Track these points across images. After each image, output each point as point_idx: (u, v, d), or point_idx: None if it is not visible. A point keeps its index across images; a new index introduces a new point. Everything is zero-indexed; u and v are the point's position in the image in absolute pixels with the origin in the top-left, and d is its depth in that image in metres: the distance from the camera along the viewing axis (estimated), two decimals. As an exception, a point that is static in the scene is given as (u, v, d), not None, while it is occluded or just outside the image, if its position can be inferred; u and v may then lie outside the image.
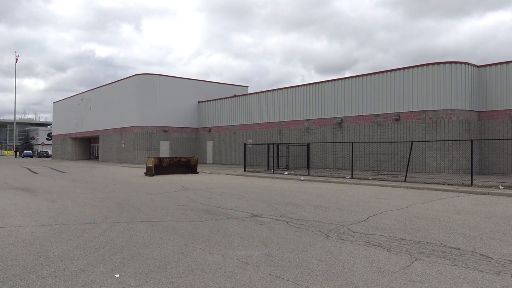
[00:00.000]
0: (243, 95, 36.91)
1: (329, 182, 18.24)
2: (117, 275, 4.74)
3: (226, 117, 37.31)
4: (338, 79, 27.51)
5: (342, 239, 6.95)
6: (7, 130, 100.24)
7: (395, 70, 24.25)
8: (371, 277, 4.87)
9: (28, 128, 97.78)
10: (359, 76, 26.20)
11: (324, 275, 4.93)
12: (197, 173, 24.48)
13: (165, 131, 38.54)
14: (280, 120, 31.52)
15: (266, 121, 32.88)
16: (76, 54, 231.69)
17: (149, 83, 38.39)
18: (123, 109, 40.47)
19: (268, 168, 25.76)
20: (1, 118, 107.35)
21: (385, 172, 22.78)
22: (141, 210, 10.09)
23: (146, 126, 38.17)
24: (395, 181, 17.34)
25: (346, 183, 17.65)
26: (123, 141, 40.42)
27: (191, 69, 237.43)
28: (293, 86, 30.92)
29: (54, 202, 11.59)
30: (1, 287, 4.28)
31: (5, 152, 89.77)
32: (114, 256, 5.63)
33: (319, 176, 20.35)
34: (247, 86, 45.15)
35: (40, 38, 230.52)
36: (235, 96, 37.32)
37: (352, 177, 19.03)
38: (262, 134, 32.93)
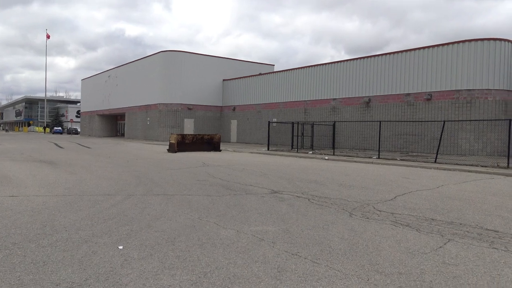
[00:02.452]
0: (269, 73, 36.20)
1: (355, 161, 17.60)
2: (120, 247, 4.42)
3: (251, 96, 36.78)
4: (367, 57, 26.45)
5: (367, 218, 6.45)
6: (38, 107, 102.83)
7: (427, 47, 23.04)
8: (398, 258, 4.39)
9: (59, 105, 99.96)
10: (389, 53, 25.09)
11: (346, 254, 4.47)
12: (220, 150, 24.22)
13: (189, 109, 38.39)
14: (306, 99, 30.77)
15: (291, 100, 32.19)
16: (106, 33, 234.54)
17: (174, 60, 38.14)
18: (149, 86, 40.50)
19: (292, 147, 25.24)
20: (33, 95, 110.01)
21: (414, 154, 21.89)
22: (158, 183, 9.83)
23: (171, 104, 38.09)
24: (424, 162, 16.55)
25: (372, 163, 16.98)
26: (148, 119, 40.57)
27: (219, 49, 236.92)
28: (320, 64, 30.01)
29: (73, 174, 11.48)
30: (-4, 255, 4.03)
31: (36, 128, 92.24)
32: (122, 227, 5.33)
33: (344, 156, 19.71)
34: (273, 65, 44.39)
35: (72, 17, 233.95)
36: (260, 74, 36.64)
37: (379, 157, 18.32)
38: (287, 113, 32.30)
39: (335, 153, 21.02)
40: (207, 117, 39.49)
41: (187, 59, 38.42)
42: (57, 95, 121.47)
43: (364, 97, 26.10)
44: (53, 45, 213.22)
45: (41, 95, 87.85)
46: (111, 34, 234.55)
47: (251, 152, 23.63)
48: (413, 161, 17.03)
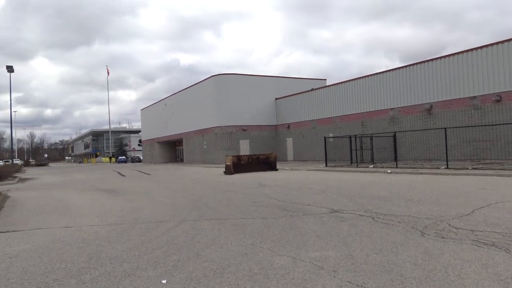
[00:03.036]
0: (321, 87, 35.53)
1: (420, 173, 16.39)
2: (164, 281, 4.03)
3: (305, 112, 36.21)
4: (425, 61, 25.08)
5: (442, 237, 5.64)
6: (103, 138, 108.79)
7: (492, 44, 21.36)
8: (488, 287, 3.62)
9: (122, 135, 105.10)
10: (449, 55, 23.59)
11: (422, 284, 3.77)
12: (277, 170, 23.75)
13: (244, 130, 38.49)
14: (362, 111, 29.68)
15: (346, 113, 31.22)
16: (162, 64, 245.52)
17: (225, 83, 38.65)
18: (203, 111, 41.24)
19: (351, 162, 24.22)
20: (98, 128, 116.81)
21: (487, 161, 20.11)
22: (212, 207, 9.51)
23: (225, 126, 38.43)
24: (501, 169, 15.02)
25: (440, 173, 15.70)
26: (205, 142, 41.17)
27: (271, 69, 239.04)
28: (374, 74, 28.94)
29: (131, 201, 11.50)
30: (33, 295, 3.80)
31: (103, 158, 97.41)
32: (169, 258, 4.97)
33: (408, 168, 18.48)
34: (325, 79, 43.65)
35: (130, 52, 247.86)
36: (312, 89, 36.05)
37: (447, 168, 16.93)
38: (343, 127, 31.32)
39: (398, 165, 19.80)
40: (262, 137, 39.34)
41: (237, 81, 38.78)
42: (121, 126, 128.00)
43: (424, 104, 24.64)
44: (114, 79, 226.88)
45: (106, 127, 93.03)
46: (167, 65, 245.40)
47: (308, 170, 22.94)
48: (487, 169, 15.53)
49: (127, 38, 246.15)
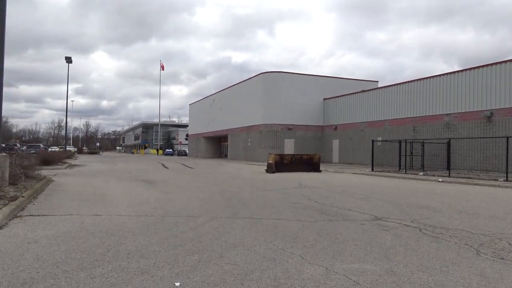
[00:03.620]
0: (372, 89, 34.23)
1: (476, 184, 15.14)
2: (177, 284, 3.64)
3: (354, 114, 35.06)
4: (486, 65, 23.35)
5: (502, 258, 4.89)
6: (153, 131, 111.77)
7: None
8: None
9: (170, 129, 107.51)
10: (515, 60, 21.80)
11: (479, 316, 3.13)
12: (320, 171, 23.02)
13: (289, 129, 37.89)
14: (414, 116, 28.20)
15: (397, 117, 29.82)
16: (214, 62, 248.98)
17: (274, 81, 38.20)
18: (250, 108, 41.06)
19: (400, 168, 23.01)
20: (149, 121, 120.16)
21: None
22: (247, 205, 9.10)
23: (271, 124, 38.01)
24: None
25: (499, 186, 14.41)
26: (249, 140, 40.98)
27: (322, 70, 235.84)
28: (430, 77, 27.38)
29: (166, 193, 11.34)
30: (35, 285, 3.51)
31: (151, 150, 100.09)
32: (190, 257, 4.59)
33: (462, 178, 17.19)
34: (377, 81, 42.03)
35: (185, 48, 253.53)
36: (363, 91, 34.81)
37: (507, 180, 15.55)
38: (393, 131, 29.96)
39: (450, 174, 18.49)
40: (308, 137, 38.55)
41: (287, 79, 38.20)
42: (170, 120, 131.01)
43: (484, 110, 22.94)
44: (168, 75, 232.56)
45: (156, 120, 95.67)
46: (219, 62, 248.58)
47: (353, 173, 22.04)
48: (553, 184, 14.08)
49: (182, 35, 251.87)
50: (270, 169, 21.56)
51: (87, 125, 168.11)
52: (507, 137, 16.69)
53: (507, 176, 15.88)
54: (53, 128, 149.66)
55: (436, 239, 5.89)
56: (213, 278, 3.86)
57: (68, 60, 46.18)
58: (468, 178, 17.20)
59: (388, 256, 4.87)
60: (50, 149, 54.17)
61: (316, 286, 3.70)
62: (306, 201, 9.96)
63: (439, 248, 5.33)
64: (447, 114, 25.53)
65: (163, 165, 31.47)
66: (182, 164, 33.06)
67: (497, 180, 15.88)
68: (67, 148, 59.90)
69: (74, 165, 28.34)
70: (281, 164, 22.22)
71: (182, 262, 4.37)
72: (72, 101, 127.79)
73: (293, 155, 23.86)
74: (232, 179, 16.99)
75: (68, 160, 33.53)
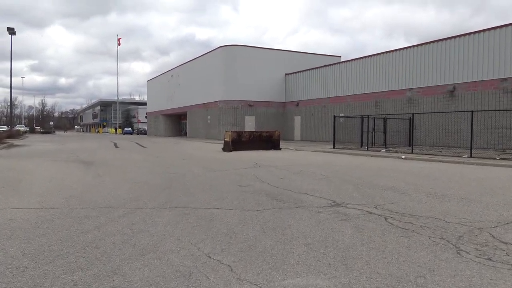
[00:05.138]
0: (335, 63, 33.21)
1: (440, 161, 14.42)
2: None
3: (316, 90, 34.04)
4: (449, 38, 22.68)
5: (489, 259, 3.82)
6: (112, 109, 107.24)
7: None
8: None
9: (130, 107, 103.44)
10: (477, 32, 21.17)
11: None
12: (280, 149, 21.90)
13: (250, 105, 36.49)
14: (377, 91, 27.46)
15: (360, 93, 29.02)
16: (178, 38, 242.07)
17: (234, 55, 36.46)
18: (209, 84, 39.25)
19: (362, 145, 22.24)
20: (107, 98, 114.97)
21: (513, 151, 18.00)
22: (188, 190, 7.75)
23: (231, 101, 36.46)
24: (535, 161, 12.99)
25: (464, 163, 13.71)
26: (209, 117, 39.34)
27: (287, 47, 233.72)
28: (392, 51, 26.58)
29: (99, 177, 9.81)
30: None
31: (110, 129, 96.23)
32: (66, 276, 3.21)
33: (425, 155, 16.49)
34: (340, 56, 41.08)
35: (147, 24, 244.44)
36: (325, 66, 33.74)
37: (471, 156, 14.92)
38: (355, 107, 29.18)
39: (413, 151, 17.79)
40: (269, 114, 37.33)
41: (247, 53, 36.55)
42: (131, 97, 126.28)
43: (447, 85, 22.37)
44: (130, 51, 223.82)
45: (116, 98, 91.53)
46: (183, 39, 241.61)
47: (314, 151, 21.06)
48: (518, 160, 13.51)
49: (144, 9, 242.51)
50: (227, 148, 20.22)
51: (43, 104, 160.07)
52: (472, 111, 16.02)
53: (471, 152, 15.26)
54: (6, 107, 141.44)
55: (406, 232, 4.77)
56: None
57: (11, 31, 42.53)
58: (431, 154, 16.52)
59: (347, 262, 3.67)
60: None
61: (237, 328, 2.43)
62: (257, 184, 8.71)
63: (410, 246, 4.19)
64: (410, 89, 24.88)
65: (115, 144, 29.47)
66: (137, 143, 31.16)
67: (461, 156, 15.23)
68: (17, 128, 56.47)
69: (17, 145, 25.92)
70: (239, 142, 20.91)
71: (49, 285, 2.98)
72: (23, 77, 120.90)
73: (252, 132, 22.60)
74: (183, 159, 15.55)
75: (10, 140, 30.87)
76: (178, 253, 3.85)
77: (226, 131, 21.22)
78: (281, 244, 4.24)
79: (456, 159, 14.48)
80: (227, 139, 20.45)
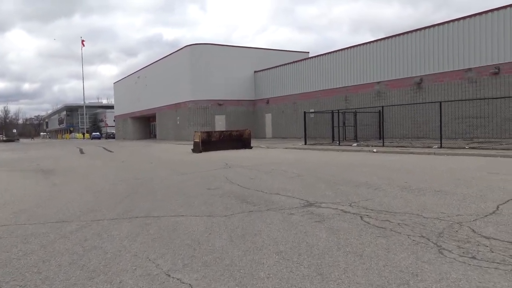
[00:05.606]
0: (303, 59, 33.11)
1: (411, 153, 14.39)
2: None
3: (285, 86, 33.87)
4: (414, 31, 22.89)
5: (473, 257, 3.55)
6: (78, 114, 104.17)
7: (490, 11, 19.24)
8: None
9: (97, 111, 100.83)
10: (441, 24, 21.42)
11: None
12: (251, 148, 21.53)
13: (220, 104, 35.97)
14: (346, 85, 27.51)
15: (329, 88, 29.01)
16: (145, 39, 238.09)
17: (202, 54, 35.83)
18: (177, 84, 38.46)
19: (333, 140, 22.15)
20: (73, 103, 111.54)
21: (480, 140, 18.27)
22: (153, 196, 7.25)
23: (200, 100, 35.82)
24: (504, 149, 13.10)
25: (434, 153, 13.71)
26: (178, 118, 38.57)
27: (256, 46, 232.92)
28: (359, 45, 26.66)
29: (55, 186, 9.16)
30: None
31: (77, 134, 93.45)
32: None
33: (396, 147, 16.48)
34: (308, 52, 41.04)
35: (112, 25, 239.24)
36: (294, 62, 33.59)
37: (441, 147, 14.97)
38: (325, 102, 29.14)
39: (384, 144, 17.78)
40: (240, 112, 36.91)
41: (215, 52, 36.00)
42: (99, 101, 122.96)
43: (414, 77, 22.56)
44: (96, 54, 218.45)
45: (82, 102, 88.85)
46: (150, 39, 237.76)
47: (286, 148, 20.80)
48: (487, 149, 13.61)
49: (109, 10, 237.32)
50: (197, 149, 19.68)
51: (5, 111, 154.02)
52: (440, 102, 16.10)
53: (441, 143, 15.32)
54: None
55: (384, 232, 4.46)
56: None
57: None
58: (402, 146, 16.52)
59: (323, 272, 3.31)
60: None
61: None
62: (227, 186, 8.29)
63: (389, 248, 3.88)
64: (378, 82, 24.99)
65: (80, 150, 28.36)
66: (104, 148, 30.12)
67: (431, 147, 15.27)
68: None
69: (-28, 156, 24.49)
70: (209, 143, 20.40)
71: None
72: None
73: (222, 131, 22.14)
74: (151, 163, 14.94)
75: (-33, 151, 29.24)
76: (133, 273, 3.39)
77: (195, 132, 20.68)
78: (251, 254, 3.84)
79: (427, 150, 14.49)
80: (196, 140, 19.91)
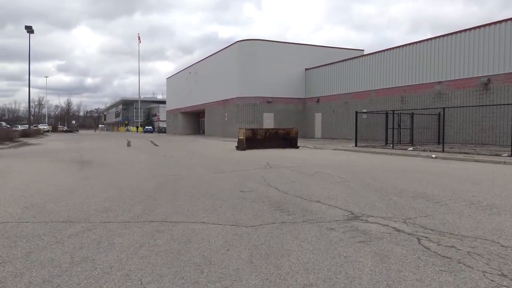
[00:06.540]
0: (357, 57, 31.52)
1: (476, 161, 12.80)
2: None
3: (337, 85, 32.44)
4: (482, 26, 20.80)
5: None
6: (133, 108, 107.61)
7: None
8: None
9: (151, 105, 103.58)
10: (515, 19, 19.26)
11: None
12: (297, 147, 20.52)
13: (268, 102, 35.16)
14: (403, 85, 25.72)
15: (384, 87, 27.31)
16: (201, 36, 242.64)
17: (252, 50, 35.19)
18: (226, 80, 38.11)
19: (387, 143, 20.62)
20: (129, 97, 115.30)
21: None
22: (176, 197, 6.54)
23: (248, 97, 35.20)
24: None
25: (504, 162, 12.06)
26: (226, 114, 38.22)
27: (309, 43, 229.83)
28: (419, 41, 24.80)
29: (85, 179, 8.73)
30: None
31: (132, 128, 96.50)
32: None
33: (458, 153, 14.84)
34: (363, 50, 39.20)
35: (170, 23, 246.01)
36: (347, 59, 32.06)
37: None
38: (379, 103, 27.47)
39: (444, 149, 16.13)
40: (288, 111, 35.90)
41: (265, 48, 35.21)
42: (154, 96, 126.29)
43: (481, 77, 20.50)
44: (153, 51, 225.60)
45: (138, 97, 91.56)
46: (206, 37, 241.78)
47: (335, 149, 19.60)
48: None
49: (168, 8, 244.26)
50: (241, 146, 18.98)
51: (68, 103, 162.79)
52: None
53: None
54: (33, 106, 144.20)
55: (449, 264, 3.40)
56: None
57: (29, 30, 42.40)
58: (465, 153, 14.85)
59: (364, 326, 2.35)
60: (20, 128, 50.88)
61: None
62: (263, 188, 7.43)
63: (460, 291, 2.83)
64: (439, 82, 23.07)
65: (128, 143, 28.66)
66: (151, 142, 30.30)
67: (500, 155, 13.54)
68: (40, 126, 57.14)
69: (27, 144, 25.36)
70: (254, 140, 19.64)
71: None
72: (46, 77, 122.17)
73: (268, 129, 21.33)
74: (190, 159, 14.40)
75: (25, 139, 30.49)
76: (112, 304, 2.60)
77: (239, 128, 20.01)
78: (271, 284, 2.95)
79: (495, 158, 12.81)
80: (240, 137, 19.22)
